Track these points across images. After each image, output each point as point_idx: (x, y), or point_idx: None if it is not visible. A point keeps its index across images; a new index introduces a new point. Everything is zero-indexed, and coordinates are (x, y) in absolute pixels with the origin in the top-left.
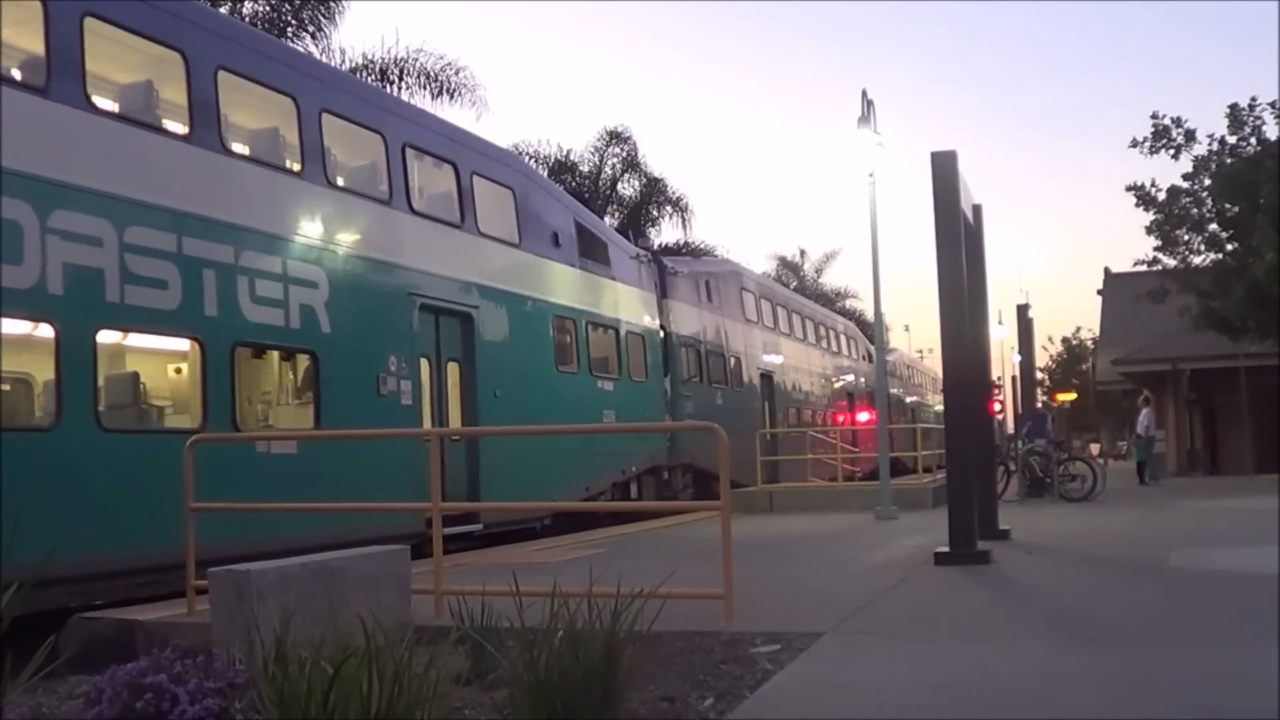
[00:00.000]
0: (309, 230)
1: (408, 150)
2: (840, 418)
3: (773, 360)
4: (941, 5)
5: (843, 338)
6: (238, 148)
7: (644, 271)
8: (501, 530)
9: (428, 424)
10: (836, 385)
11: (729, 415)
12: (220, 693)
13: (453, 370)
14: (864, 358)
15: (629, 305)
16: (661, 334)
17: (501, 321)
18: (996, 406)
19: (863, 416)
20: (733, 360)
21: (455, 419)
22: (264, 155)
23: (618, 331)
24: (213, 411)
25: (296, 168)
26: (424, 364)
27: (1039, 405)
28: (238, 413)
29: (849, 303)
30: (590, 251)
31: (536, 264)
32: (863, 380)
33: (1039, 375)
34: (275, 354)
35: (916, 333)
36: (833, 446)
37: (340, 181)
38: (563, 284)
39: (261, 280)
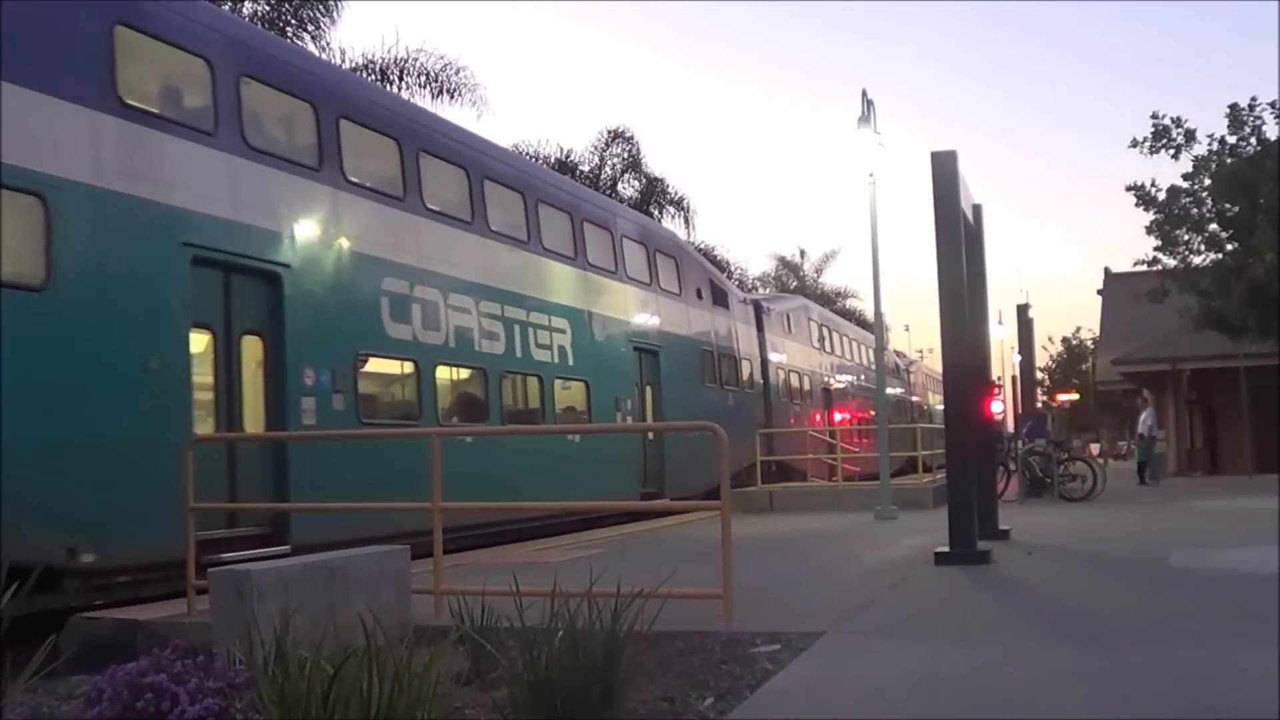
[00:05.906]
0: None
1: None
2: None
3: (375, 256)
4: (942, 5)
5: (663, 259)
6: None
7: None
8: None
9: None
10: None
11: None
12: (220, 693)
13: None
14: (713, 301)
15: None
16: None
17: None
18: (996, 406)
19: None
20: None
21: None
22: None
23: None
24: None
25: None
26: None
27: (1039, 405)
28: None
29: (849, 302)
30: None
31: None
32: (716, 343)
33: (1039, 375)
34: None
35: (916, 333)
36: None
37: None
38: None
39: None
